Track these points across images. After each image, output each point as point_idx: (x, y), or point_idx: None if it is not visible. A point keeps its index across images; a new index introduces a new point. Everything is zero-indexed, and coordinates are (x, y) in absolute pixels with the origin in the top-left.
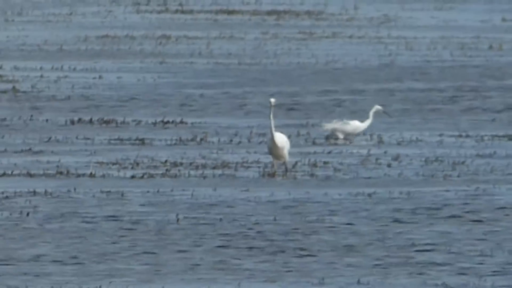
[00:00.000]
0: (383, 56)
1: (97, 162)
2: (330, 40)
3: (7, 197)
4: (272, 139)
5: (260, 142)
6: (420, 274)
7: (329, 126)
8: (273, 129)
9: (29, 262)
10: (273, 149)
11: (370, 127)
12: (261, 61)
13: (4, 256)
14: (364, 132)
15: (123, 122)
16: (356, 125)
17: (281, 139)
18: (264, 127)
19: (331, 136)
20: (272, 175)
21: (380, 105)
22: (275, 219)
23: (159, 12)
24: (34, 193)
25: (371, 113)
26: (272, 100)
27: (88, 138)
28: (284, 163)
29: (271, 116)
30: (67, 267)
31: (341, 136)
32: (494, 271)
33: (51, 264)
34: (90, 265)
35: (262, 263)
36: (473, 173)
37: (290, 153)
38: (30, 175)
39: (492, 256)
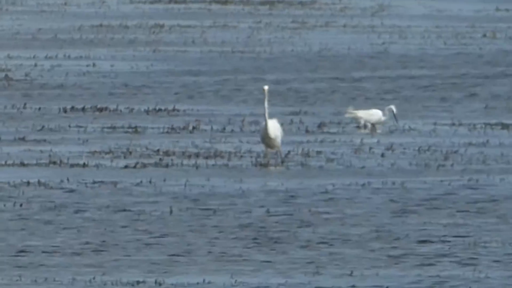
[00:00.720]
0: (376, 44)
1: (90, 152)
2: (323, 29)
3: (0, 188)
4: (265, 128)
5: (254, 131)
6: (420, 265)
7: (353, 114)
8: (267, 117)
9: (22, 253)
10: (265, 138)
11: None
12: (255, 49)
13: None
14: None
15: (116, 110)
16: (379, 115)
17: (274, 128)
18: (257, 115)
19: (355, 123)
20: (266, 164)
21: (392, 106)
22: (268, 211)
23: (152, 2)
24: (28, 183)
25: (386, 110)
26: (266, 87)
27: (81, 126)
28: (278, 152)
29: (266, 103)
30: (61, 258)
31: (364, 124)
32: (492, 261)
33: (45, 255)
34: (84, 256)
35: (256, 254)
36: (467, 162)
37: (282, 142)
38: (23, 164)
39: (485, 247)
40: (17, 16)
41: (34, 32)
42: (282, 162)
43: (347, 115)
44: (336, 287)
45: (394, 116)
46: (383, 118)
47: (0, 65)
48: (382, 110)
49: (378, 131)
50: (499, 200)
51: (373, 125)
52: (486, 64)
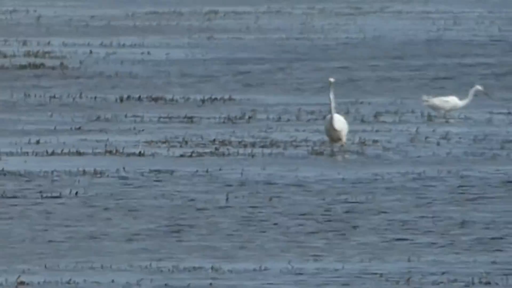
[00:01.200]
0: (431, 31)
1: (146, 141)
2: (377, 15)
3: (58, 176)
4: (330, 121)
5: (309, 120)
6: (485, 250)
7: (429, 102)
8: (334, 110)
9: (86, 239)
10: (330, 131)
11: (467, 106)
12: (309, 36)
13: (65, 235)
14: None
15: (172, 100)
16: (455, 102)
17: (339, 122)
18: (312, 105)
19: (430, 110)
20: (321, 153)
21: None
22: (324, 199)
23: None
24: (84, 172)
25: (470, 92)
26: (332, 79)
27: (137, 116)
28: (342, 146)
29: (331, 95)
30: (115, 244)
31: (438, 112)
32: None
33: (101, 242)
34: (140, 242)
35: (315, 241)
36: None
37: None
38: (79, 153)
39: None
40: (70, 3)
41: (87, 19)
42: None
43: (424, 103)
44: (394, 273)
45: (487, 94)
46: (460, 104)
47: (55, 52)
48: (464, 95)
49: (451, 120)
50: None
51: (446, 112)
52: None
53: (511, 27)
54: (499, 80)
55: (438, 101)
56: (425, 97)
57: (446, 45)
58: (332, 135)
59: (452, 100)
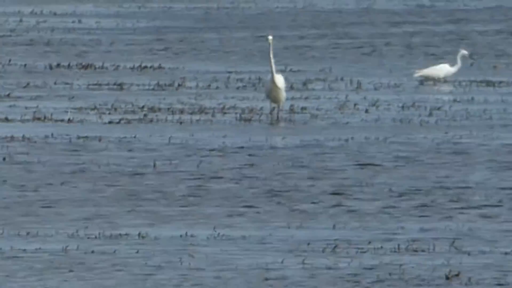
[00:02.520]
0: (361, 0)
1: (75, 108)
2: None
3: None
4: (271, 79)
5: (238, 88)
6: (397, 217)
7: (422, 72)
8: (274, 69)
9: (8, 205)
10: (272, 91)
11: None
12: (239, 6)
13: None
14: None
15: (101, 67)
16: (447, 69)
17: (281, 80)
18: (241, 73)
19: (423, 82)
20: (276, 121)
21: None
22: (252, 165)
23: None
24: (12, 138)
25: (458, 58)
26: (270, 37)
27: (66, 83)
28: (278, 107)
29: (271, 55)
30: (42, 210)
31: (432, 81)
32: (476, 215)
33: (24, 208)
34: (67, 211)
35: (240, 209)
36: (450, 119)
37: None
38: (7, 120)
39: (468, 201)
40: None
41: None
42: (278, 117)
43: (416, 75)
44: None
45: (471, 58)
46: (452, 70)
47: None
48: (452, 61)
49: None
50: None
51: (439, 80)
52: (450, 21)
53: None
54: (425, 48)
55: (430, 71)
56: (416, 71)
57: (374, 14)
58: (274, 94)
59: (444, 68)
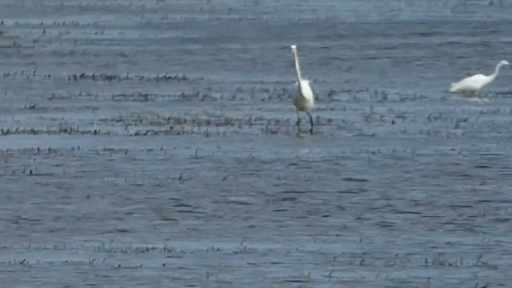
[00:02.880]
0: (384, 12)
1: (101, 119)
2: None
3: (10, 155)
4: (298, 88)
5: (263, 99)
6: (429, 230)
7: (459, 85)
8: (300, 77)
9: (40, 219)
10: (299, 100)
11: (495, 81)
12: (262, 17)
13: (11, 215)
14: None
15: (126, 78)
16: (483, 79)
17: (307, 88)
18: (267, 83)
19: (461, 94)
20: (299, 132)
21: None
22: (278, 178)
23: None
24: (38, 150)
25: (497, 67)
26: (293, 46)
27: (91, 95)
28: (308, 114)
29: (296, 63)
30: (69, 223)
31: (470, 92)
32: (502, 232)
33: (55, 221)
34: (96, 223)
35: (266, 222)
36: (477, 130)
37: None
38: (33, 132)
39: (495, 214)
40: None
41: None
42: (312, 126)
43: (453, 89)
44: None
45: None
46: (488, 80)
47: (9, 32)
48: (490, 72)
49: (480, 97)
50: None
51: (476, 91)
52: (497, 33)
53: (464, 7)
54: (450, 60)
55: (467, 83)
56: (452, 84)
57: (399, 26)
58: (301, 103)
59: (480, 78)
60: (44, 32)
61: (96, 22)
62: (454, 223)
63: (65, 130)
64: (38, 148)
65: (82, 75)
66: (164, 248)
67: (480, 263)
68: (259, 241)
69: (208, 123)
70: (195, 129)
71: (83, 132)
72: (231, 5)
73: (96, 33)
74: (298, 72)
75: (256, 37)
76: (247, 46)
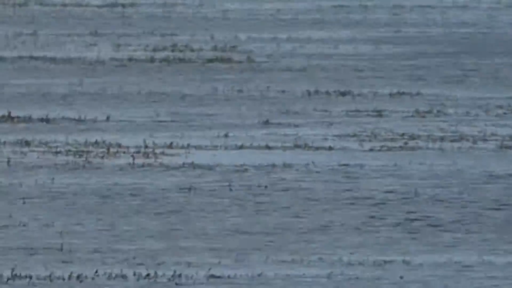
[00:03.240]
0: None
1: (335, 135)
2: None
3: (245, 170)
4: None
5: (497, 115)
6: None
7: None
8: None
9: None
10: None
11: None
12: (495, 31)
13: (244, 228)
14: None
15: (359, 94)
16: None
17: None
18: (500, 99)
19: None
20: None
21: None
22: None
23: None
24: (273, 165)
25: None
26: None
27: (325, 110)
28: None
29: None
30: (314, 236)
31: None
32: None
33: (291, 234)
34: (329, 236)
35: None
36: None
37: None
38: (268, 147)
39: None
40: None
41: (273, 12)
42: None
43: None
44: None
45: None
46: None
47: (242, 46)
48: None
49: None
50: None
51: None
52: None
53: None
54: None
55: None
56: None
57: None
58: None
59: None
60: (278, 46)
61: (330, 36)
62: None
63: (299, 146)
64: (273, 164)
65: (316, 91)
66: (403, 260)
67: None
68: (499, 254)
69: (442, 139)
70: (430, 145)
71: (317, 148)
72: (464, 19)
73: (329, 48)
74: None
75: (490, 51)
76: (482, 61)
